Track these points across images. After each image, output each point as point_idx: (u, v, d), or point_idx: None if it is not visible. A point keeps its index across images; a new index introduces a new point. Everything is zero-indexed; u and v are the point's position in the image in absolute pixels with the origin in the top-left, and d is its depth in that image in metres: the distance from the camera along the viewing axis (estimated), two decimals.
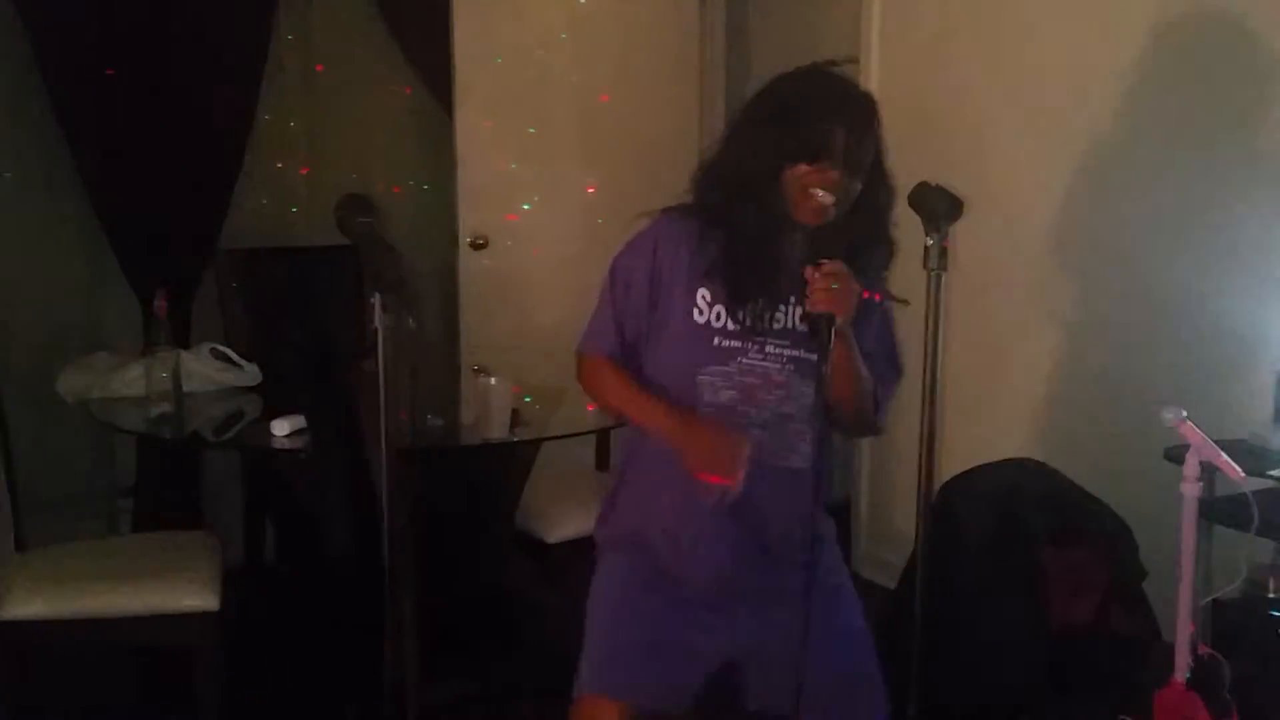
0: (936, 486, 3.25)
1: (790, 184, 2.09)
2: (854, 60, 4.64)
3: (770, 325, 2.16)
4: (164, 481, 4.34)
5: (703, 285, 2.16)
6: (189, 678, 3.21)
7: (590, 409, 3.06)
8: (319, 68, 4.69)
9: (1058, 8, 3.89)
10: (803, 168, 2.07)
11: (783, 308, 2.16)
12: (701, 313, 2.17)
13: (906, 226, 2.20)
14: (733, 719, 2.48)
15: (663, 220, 2.22)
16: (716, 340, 2.16)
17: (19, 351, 3.55)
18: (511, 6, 4.69)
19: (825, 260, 2.01)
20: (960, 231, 4.15)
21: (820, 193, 2.06)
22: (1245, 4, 3.34)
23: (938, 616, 3.09)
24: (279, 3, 4.57)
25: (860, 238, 2.13)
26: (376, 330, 1.87)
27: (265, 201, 4.64)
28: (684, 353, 2.19)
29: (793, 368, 2.18)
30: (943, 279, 2.04)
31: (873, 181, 2.14)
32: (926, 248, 2.03)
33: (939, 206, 2.05)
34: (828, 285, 1.99)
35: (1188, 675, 2.42)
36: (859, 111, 2.15)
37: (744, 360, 2.17)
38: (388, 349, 1.87)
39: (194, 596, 3.14)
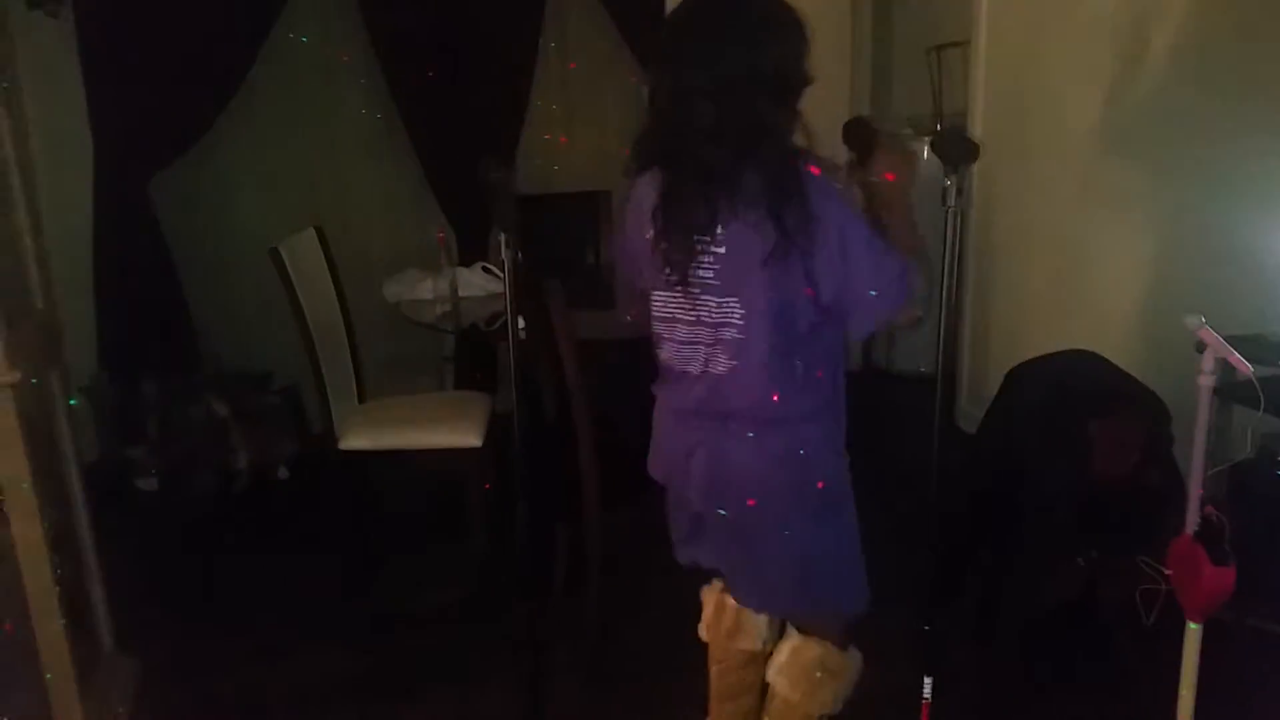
0: (998, 375, 2.91)
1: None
2: (966, 42, 4.09)
3: None
4: (470, 353, 4.31)
5: None
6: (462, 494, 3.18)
7: None
8: (571, 65, 4.45)
9: None
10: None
11: None
12: None
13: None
14: None
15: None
16: None
17: (365, 267, 3.56)
18: None
19: None
20: (1046, 176, 3.71)
21: None
22: None
23: (998, 475, 2.78)
24: (544, 20, 4.35)
25: None
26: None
27: (537, 162, 4.46)
28: None
29: None
30: (959, 216, 1.51)
31: None
32: (944, 188, 1.51)
33: (956, 150, 1.53)
34: None
35: (1195, 529, 2.03)
36: None
37: None
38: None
39: (465, 436, 3.06)
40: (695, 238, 1.55)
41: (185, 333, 4.09)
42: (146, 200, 3.95)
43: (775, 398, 1.60)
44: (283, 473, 3.89)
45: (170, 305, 4.05)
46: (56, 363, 2.37)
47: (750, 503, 1.67)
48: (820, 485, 1.68)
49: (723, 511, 1.69)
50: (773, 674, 1.88)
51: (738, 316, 1.58)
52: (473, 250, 4.21)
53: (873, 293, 1.50)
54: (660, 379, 1.80)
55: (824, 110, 1.63)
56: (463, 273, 3.48)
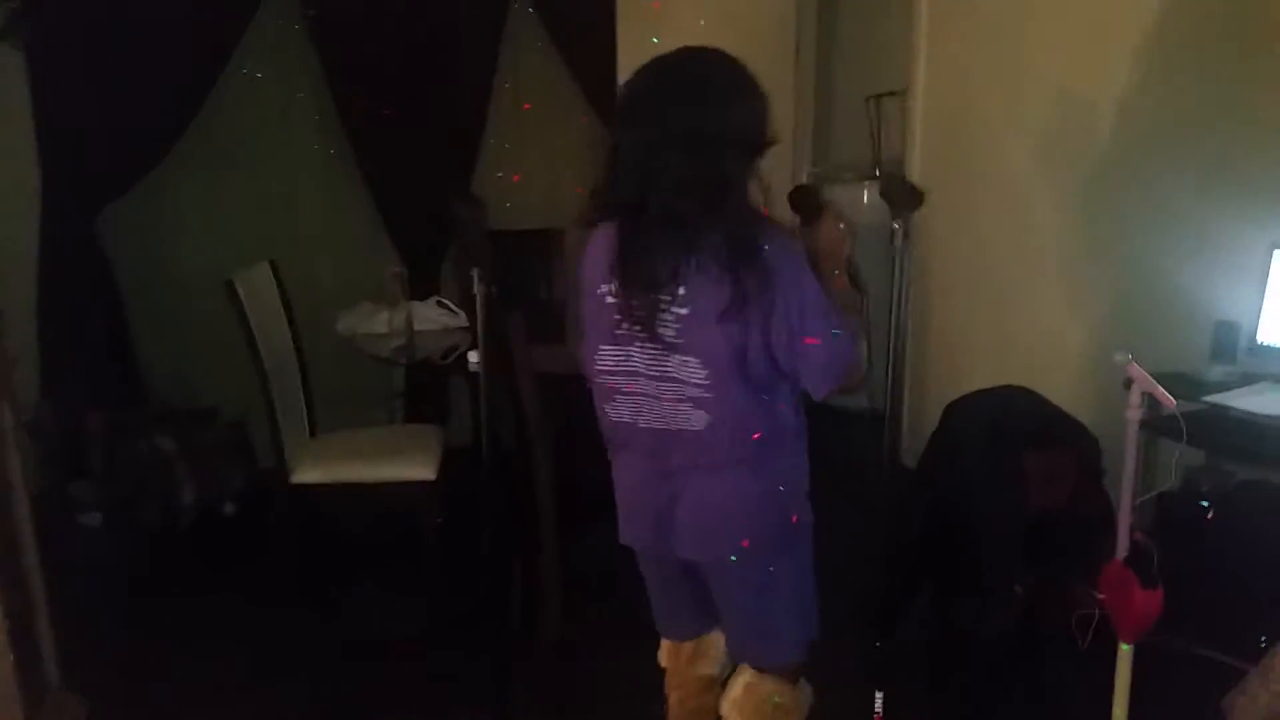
0: (936, 412, 3.01)
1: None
2: (904, 91, 4.25)
3: None
4: (420, 388, 4.31)
5: None
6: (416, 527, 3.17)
7: None
8: (525, 106, 4.52)
9: (1055, 42, 3.44)
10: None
11: None
12: None
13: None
14: None
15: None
16: None
17: (314, 302, 3.56)
18: None
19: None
20: (981, 221, 3.87)
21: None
22: None
23: (938, 507, 2.87)
24: (499, 60, 4.41)
25: None
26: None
27: (490, 199, 4.42)
28: None
29: None
30: (906, 256, 1.57)
31: None
32: (892, 232, 1.57)
33: (902, 196, 1.60)
34: None
35: (1126, 555, 2.14)
36: None
37: None
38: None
39: (419, 468, 3.07)
40: (657, 293, 1.55)
41: (131, 367, 4.04)
42: (94, 233, 3.91)
43: (755, 436, 1.61)
44: (229, 508, 3.84)
45: (116, 339, 3.99)
46: (5, 394, 2.33)
47: (744, 544, 1.66)
48: (795, 518, 1.71)
49: (734, 558, 1.67)
50: (727, 708, 1.90)
51: (701, 376, 1.57)
52: (425, 285, 4.22)
53: (822, 353, 1.53)
54: (619, 445, 1.75)
55: (767, 157, 1.65)
56: (417, 307, 3.51)
